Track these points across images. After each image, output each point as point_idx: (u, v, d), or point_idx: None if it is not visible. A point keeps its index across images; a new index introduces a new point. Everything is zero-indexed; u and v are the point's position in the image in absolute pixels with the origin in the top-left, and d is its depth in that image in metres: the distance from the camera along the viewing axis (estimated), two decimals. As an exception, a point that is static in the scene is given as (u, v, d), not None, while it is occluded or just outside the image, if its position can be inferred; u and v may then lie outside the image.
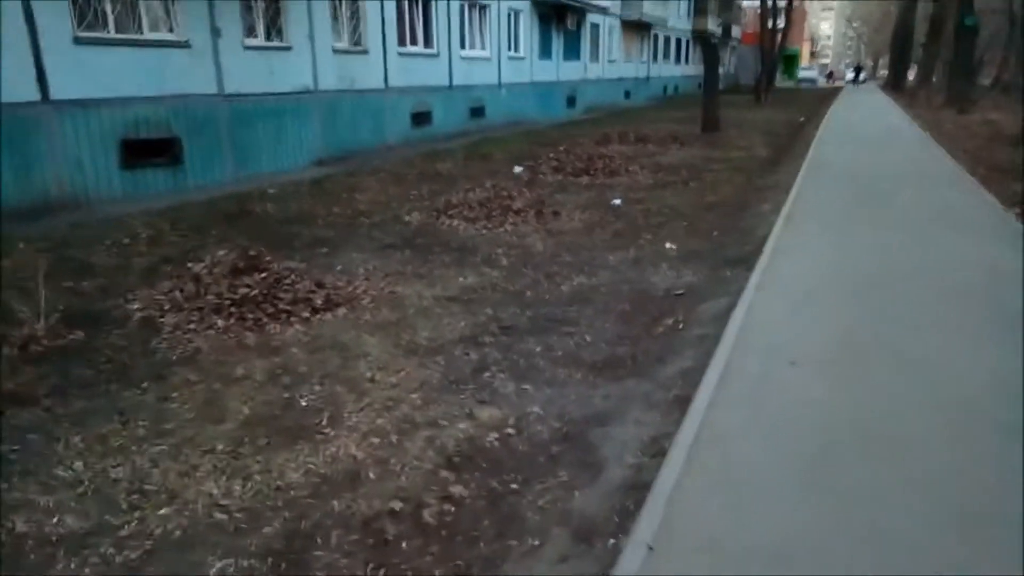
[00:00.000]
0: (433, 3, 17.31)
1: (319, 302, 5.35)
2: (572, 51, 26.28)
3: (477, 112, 19.73)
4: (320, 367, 4.23)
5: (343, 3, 14.28)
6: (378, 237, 7.83)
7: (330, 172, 12.67)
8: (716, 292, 5.36)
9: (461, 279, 6.18)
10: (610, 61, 30.45)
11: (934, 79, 41.02)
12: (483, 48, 20.04)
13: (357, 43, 14.81)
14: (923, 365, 4.11)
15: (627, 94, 32.79)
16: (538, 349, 4.38)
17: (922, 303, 5.19)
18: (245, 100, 11.87)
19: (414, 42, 16.86)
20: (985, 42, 36.56)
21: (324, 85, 13.75)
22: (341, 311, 5.30)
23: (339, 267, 6.61)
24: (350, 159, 14.09)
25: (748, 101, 33.13)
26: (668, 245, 6.89)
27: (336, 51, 14.04)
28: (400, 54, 16.12)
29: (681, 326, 4.61)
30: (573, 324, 4.86)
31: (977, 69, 33.05)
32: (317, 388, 3.94)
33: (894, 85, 47.93)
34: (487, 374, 4.06)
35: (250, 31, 12.08)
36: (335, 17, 14.08)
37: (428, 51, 17.33)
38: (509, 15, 21.20)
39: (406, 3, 16.39)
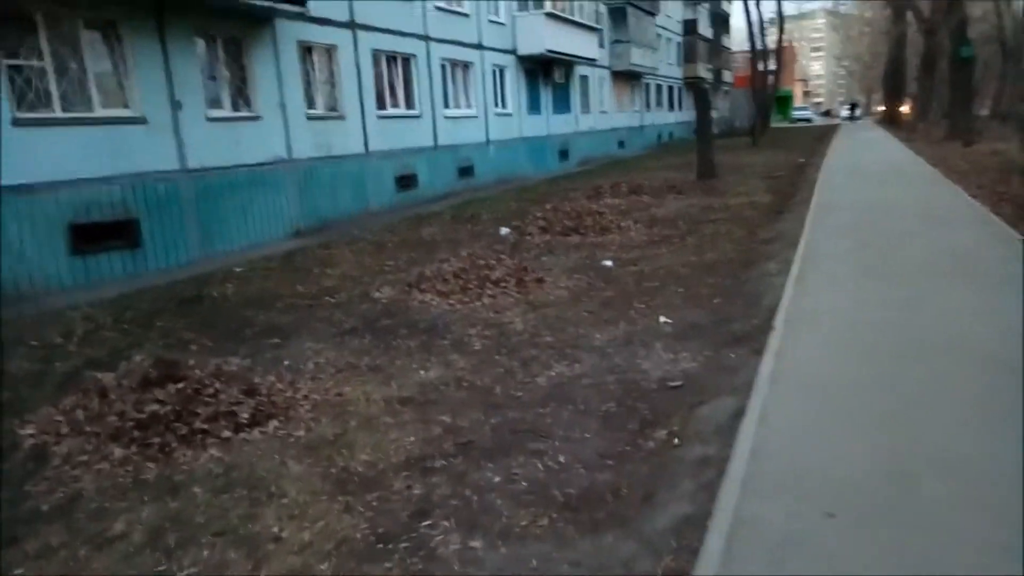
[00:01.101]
0: (413, 64, 16.88)
1: (245, 416, 4.47)
2: (562, 104, 25.92)
3: (465, 171, 19.15)
4: (220, 517, 3.33)
5: (316, 69, 13.78)
6: (339, 320, 6.99)
7: (306, 244, 11.94)
8: (719, 385, 4.44)
9: (422, 372, 5.31)
10: (602, 112, 30.11)
11: (931, 112, 40.63)
12: (468, 106, 19.57)
13: (333, 108, 14.27)
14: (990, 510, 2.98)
15: (621, 144, 32.38)
16: (497, 479, 3.47)
17: (973, 393, 4.22)
18: (210, 174, 11.21)
19: (395, 104, 16.36)
20: (979, 72, 36.26)
21: (299, 153, 13.14)
22: (272, 425, 4.43)
23: (287, 362, 5.76)
24: (329, 229, 13.39)
25: (744, 144, 32.67)
26: (662, 319, 6.01)
27: (310, 117, 13.48)
28: (380, 117, 15.59)
29: (677, 440, 3.69)
30: (546, 436, 3.95)
31: (973, 99, 32.52)
32: (205, 554, 3.03)
33: (890, 120, 47.65)
34: (427, 522, 3.14)
35: (214, 102, 11.51)
36: (308, 83, 13.56)
37: (410, 112, 16.82)
38: (494, 72, 20.83)
39: (384, 65, 15.93)
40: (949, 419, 3.82)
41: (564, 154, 25.88)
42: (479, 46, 19.82)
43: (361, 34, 14.87)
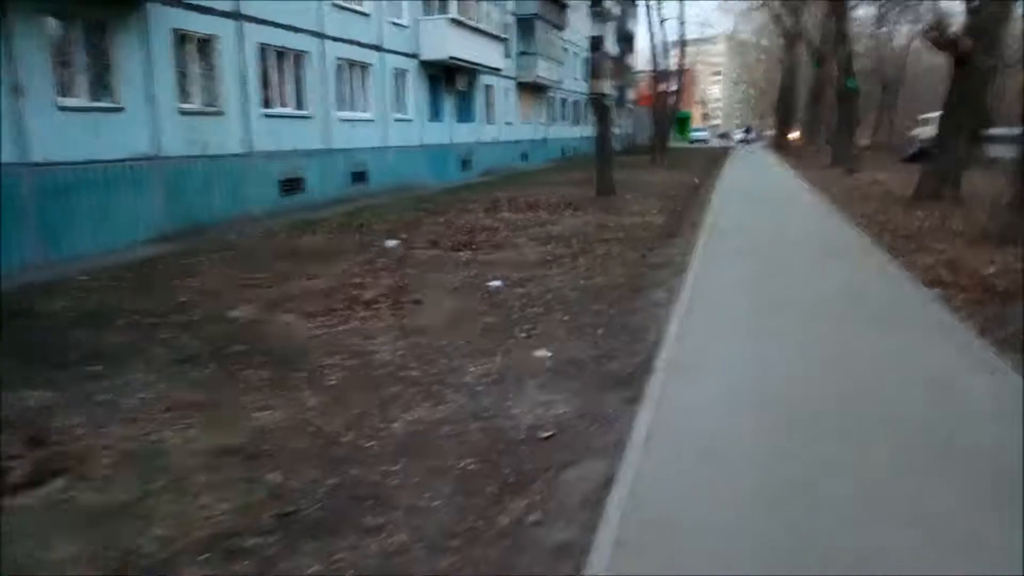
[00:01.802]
0: (305, 61, 15.94)
1: (20, 475, 3.65)
2: (466, 113, 25.43)
3: (360, 177, 18.31)
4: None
5: (193, 60, 12.67)
6: (183, 345, 6.14)
7: (170, 250, 10.87)
8: (592, 441, 3.95)
9: (264, 413, 4.59)
10: (506, 123, 29.84)
11: (817, 139, 42.72)
12: (365, 109, 18.75)
13: (211, 104, 13.18)
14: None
15: (525, 156, 32.22)
16: (314, 569, 2.84)
17: (866, 448, 3.90)
18: (59, 170, 10.00)
19: (283, 103, 15.38)
20: (860, 104, 38.50)
21: (169, 150, 12.02)
22: (55, 485, 3.62)
23: (104, 397, 4.90)
24: (202, 234, 12.29)
25: (644, 162, 33.21)
26: (541, 352, 5.52)
27: (184, 112, 12.38)
28: (266, 115, 14.59)
29: (536, 515, 3.16)
30: (388, 505, 3.34)
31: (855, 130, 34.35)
32: None
33: (780, 144, 49.90)
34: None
35: (66, 88, 10.29)
36: (183, 75, 12.45)
37: (300, 112, 15.87)
38: (394, 75, 20.08)
39: (272, 61, 14.93)
40: (858, 489, 3.43)
41: (466, 164, 25.38)
42: (379, 48, 19.06)
43: (247, 26, 13.87)
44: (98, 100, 10.84)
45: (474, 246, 10.82)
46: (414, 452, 3.96)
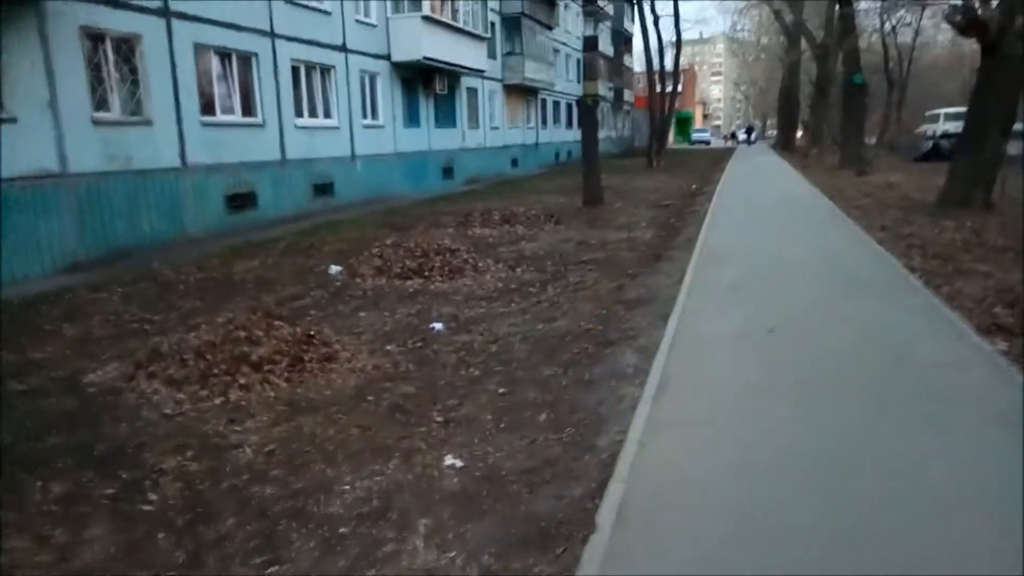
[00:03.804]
0: (254, 64, 14.35)
1: None
2: (446, 118, 23.81)
3: (324, 190, 16.70)
4: None
5: (109, 63, 11.06)
6: (-13, 434, 4.52)
7: (77, 282, 9.27)
8: None
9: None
10: (493, 128, 28.21)
11: (823, 138, 41.04)
12: (328, 116, 17.14)
13: (135, 112, 11.58)
14: None
15: (515, 162, 30.59)
16: None
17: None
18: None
19: (227, 109, 13.78)
20: (866, 102, 36.81)
21: (80, 166, 10.41)
22: None
23: None
24: (124, 260, 10.70)
25: (641, 165, 31.64)
26: (450, 461, 3.85)
27: (99, 123, 10.77)
28: (205, 124, 12.98)
29: None
30: None
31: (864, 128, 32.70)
32: None
33: (784, 145, 48.22)
34: None
35: (-61, 97, 8.70)
36: (97, 80, 10.84)
37: (249, 120, 14.27)
38: (362, 79, 18.47)
39: (213, 63, 13.34)
40: None
41: (448, 172, 23.76)
42: (343, 48, 17.45)
43: (178, 24, 12.26)
44: (-13, 110, 9.25)
45: (427, 272, 9.17)
46: None
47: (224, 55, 13.60)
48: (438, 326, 6.86)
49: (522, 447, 4.01)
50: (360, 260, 9.96)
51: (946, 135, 33.32)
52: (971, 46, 47.99)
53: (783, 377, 5.05)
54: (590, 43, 43.46)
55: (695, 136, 68.23)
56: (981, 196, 12.34)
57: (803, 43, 39.66)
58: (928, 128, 45.86)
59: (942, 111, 44.99)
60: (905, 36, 43.17)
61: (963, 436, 4.01)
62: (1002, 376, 4.93)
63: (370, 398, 4.96)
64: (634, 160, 36.04)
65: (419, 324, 7.02)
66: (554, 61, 35.54)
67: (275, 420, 4.67)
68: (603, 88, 45.11)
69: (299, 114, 15.85)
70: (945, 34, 51.03)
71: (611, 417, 4.30)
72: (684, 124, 71.45)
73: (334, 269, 9.78)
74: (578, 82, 42.16)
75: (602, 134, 45.71)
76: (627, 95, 54.64)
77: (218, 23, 13.13)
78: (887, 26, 39.41)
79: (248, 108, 14.28)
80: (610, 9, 47.90)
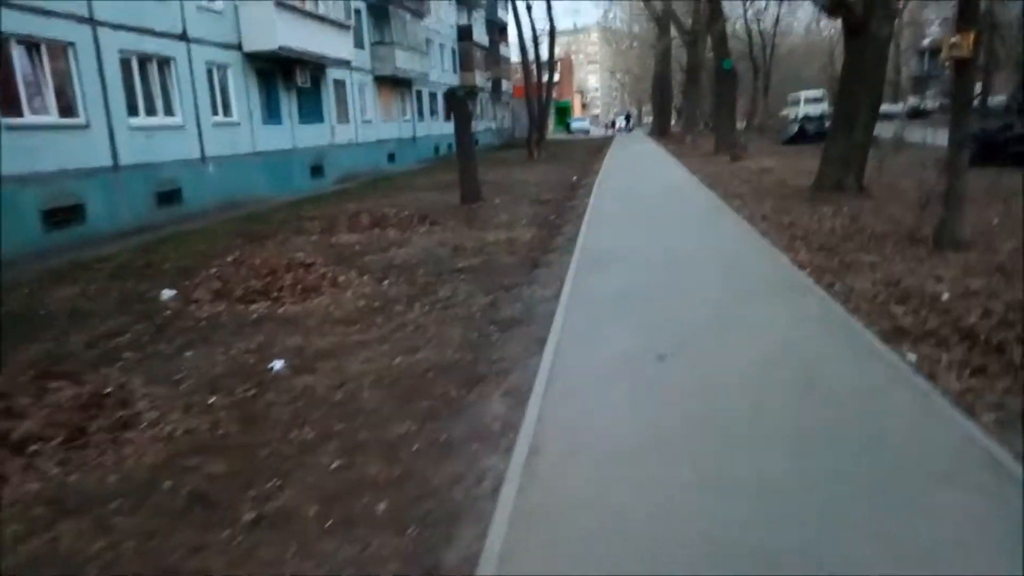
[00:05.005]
0: (70, 56, 12.42)
1: None
2: (312, 112, 22.18)
3: (170, 197, 14.89)
4: None
5: None
6: None
7: None
8: None
9: None
10: (365, 121, 26.71)
11: (696, 124, 42.03)
12: (171, 114, 15.30)
13: (-91, 115, 9.58)
14: None
15: (392, 157, 29.20)
16: None
17: None
18: None
19: (40, 110, 11.84)
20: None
21: None
22: None
23: None
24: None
25: (522, 156, 31.03)
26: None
27: None
28: (11, 128, 11.04)
29: None
30: None
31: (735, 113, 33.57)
32: None
33: (660, 131, 49.15)
34: None
35: None
36: None
37: (68, 121, 12.35)
38: (209, 71, 16.67)
39: (16, 54, 11.38)
40: None
41: (317, 170, 22.15)
42: (183, 37, 15.62)
43: (-35, 9, 10.29)
44: None
45: (275, 293, 7.94)
46: None
47: (32, 45, 11.64)
48: (278, 365, 5.71)
49: (349, 557, 2.99)
50: (197, 282, 8.58)
51: (807, 117, 34.82)
52: (829, 31, 50.55)
53: (680, 427, 4.09)
54: (464, 32, 42.46)
55: (574, 125, 68.66)
56: (853, 180, 12.33)
57: (673, 30, 40.33)
58: (789, 111, 48.08)
59: (802, 94, 47.29)
60: (767, 23, 44.87)
61: (904, 499, 3.27)
62: (924, 402, 4.26)
63: (167, 484, 3.79)
64: (515, 152, 35.43)
65: (256, 363, 5.85)
66: (427, 51, 34.30)
67: (26, 530, 3.44)
68: (480, 78, 44.25)
69: (133, 113, 13.98)
70: (801, 21, 53.53)
71: (467, 508, 3.30)
72: (563, 113, 71.84)
73: (167, 294, 8.36)
74: (455, 72, 41.10)
75: (482, 126, 44.97)
76: (505, 85, 54.05)
77: (18, 6, 11.18)
78: (749, 12, 40.75)
79: (67, 107, 12.35)
80: (483, -2, 47.05)
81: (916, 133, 16.61)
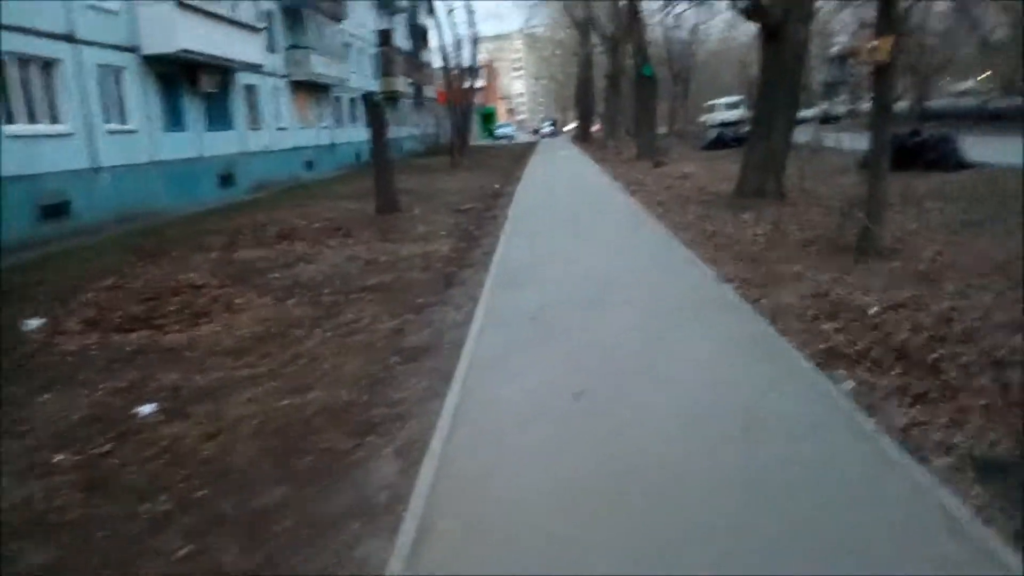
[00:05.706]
0: (-69, 56, 11.16)
1: None
2: (220, 119, 21.02)
3: (56, 211, 13.66)
4: None
5: None
6: None
7: None
8: None
9: None
10: (280, 128, 25.58)
11: (618, 129, 42.28)
12: (56, 121, 14.06)
13: None
14: None
15: (310, 165, 28.08)
16: None
17: None
18: None
19: None
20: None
21: None
22: None
23: None
24: None
25: (445, 163, 30.45)
26: None
27: None
28: None
29: None
30: None
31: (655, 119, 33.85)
32: None
33: (583, 137, 49.38)
34: None
35: None
36: None
37: (-71, 129, 11.08)
38: (102, 75, 15.44)
39: None
40: None
41: (228, 180, 20.98)
42: (70, 38, 14.38)
43: None
44: None
45: (158, 319, 7.13)
46: None
47: None
48: (146, 410, 4.98)
49: None
50: (71, 308, 7.66)
51: (725, 123, 35.49)
52: (743, 39, 51.86)
53: (598, 483, 3.52)
54: (384, 37, 41.57)
55: (499, 132, 68.46)
56: (773, 186, 12.28)
57: (594, 36, 40.51)
58: (707, 117, 49.07)
59: (719, 101, 48.34)
60: (682, 31, 45.63)
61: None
62: (867, 448, 3.76)
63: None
64: (438, 158, 34.77)
65: (123, 406, 5.10)
66: (347, 56, 33.32)
67: None
68: (402, 84, 43.42)
69: (10, 119, 12.74)
70: (718, 28, 54.79)
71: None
72: (488, 119, 71.58)
73: (32, 324, 7.42)
74: (375, 78, 40.14)
75: (405, 132, 44.12)
76: (428, 91, 53.31)
77: None
78: (668, 18, 41.30)
79: (-72, 114, 11.10)
80: (404, 2, 46.21)
81: (829, 138, 16.90)
